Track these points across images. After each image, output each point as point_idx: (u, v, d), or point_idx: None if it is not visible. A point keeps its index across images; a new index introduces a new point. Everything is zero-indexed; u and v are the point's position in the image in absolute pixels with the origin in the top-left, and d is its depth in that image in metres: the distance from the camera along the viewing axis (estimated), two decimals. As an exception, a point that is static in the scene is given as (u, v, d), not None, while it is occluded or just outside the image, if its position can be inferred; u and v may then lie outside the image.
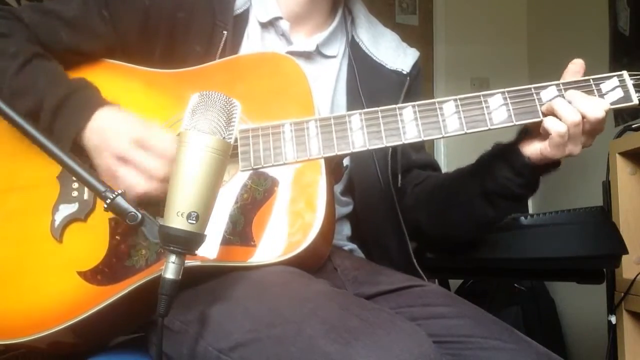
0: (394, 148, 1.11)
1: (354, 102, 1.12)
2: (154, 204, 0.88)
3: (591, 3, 2.75)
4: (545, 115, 0.91)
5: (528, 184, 0.99)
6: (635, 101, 0.91)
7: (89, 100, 0.94)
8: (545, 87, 0.92)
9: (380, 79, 1.15)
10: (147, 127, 0.92)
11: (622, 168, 1.71)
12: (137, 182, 0.88)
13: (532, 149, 0.94)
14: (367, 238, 1.17)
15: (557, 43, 3.05)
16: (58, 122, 0.92)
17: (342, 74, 1.16)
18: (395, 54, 1.18)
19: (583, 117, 0.88)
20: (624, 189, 1.71)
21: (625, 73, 0.92)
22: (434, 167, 1.24)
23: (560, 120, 0.89)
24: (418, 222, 1.14)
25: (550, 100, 0.90)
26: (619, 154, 1.71)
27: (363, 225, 1.16)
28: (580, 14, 2.88)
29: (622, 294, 1.65)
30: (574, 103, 0.89)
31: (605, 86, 0.92)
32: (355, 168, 1.13)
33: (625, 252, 1.41)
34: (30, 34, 1.01)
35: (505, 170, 0.98)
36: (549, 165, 0.96)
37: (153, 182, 0.88)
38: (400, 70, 1.16)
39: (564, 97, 0.90)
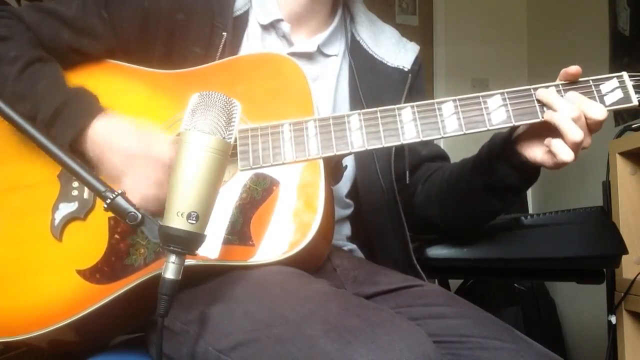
0: (398, 147, 1.12)
1: (355, 100, 1.12)
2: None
3: (591, 3, 2.75)
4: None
5: (527, 176, 1.01)
6: (635, 102, 0.91)
7: (84, 109, 0.94)
8: (545, 88, 0.92)
9: (382, 77, 1.15)
10: (142, 137, 0.93)
11: (622, 168, 1.71)
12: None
13: (531, 154, 0.95)
14: (369, 238, 1.17)
15: (557, 43, 3.05)
16: (54, 130, 0.92)
17: (343, 73, 1.16)
18: (396, 50, 1.18)
19: (587, 118, 0.89)
20: (624, 189, 1.71)
21: (625, 74, 0.92)
22: (443, 156, 1.24)
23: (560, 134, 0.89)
24: (430, 217, 1.17)
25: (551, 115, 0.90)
26: (619, 154, 1.71)
27: (366, 226, 1.16)
28: (580, 14, 2.88)
29: (622, 294, 1.64)
30: (576, 103, 0.89)
31: (605, 87, 0.92)
32: (359, 168, 1.13)
33: (625, 252, 1.41)
34: (32, 36, 1.01)
35: (503, 166, 1.00)
36: None
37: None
38: (401, 67, 1.17)
39: (563, 96, 0.90)
